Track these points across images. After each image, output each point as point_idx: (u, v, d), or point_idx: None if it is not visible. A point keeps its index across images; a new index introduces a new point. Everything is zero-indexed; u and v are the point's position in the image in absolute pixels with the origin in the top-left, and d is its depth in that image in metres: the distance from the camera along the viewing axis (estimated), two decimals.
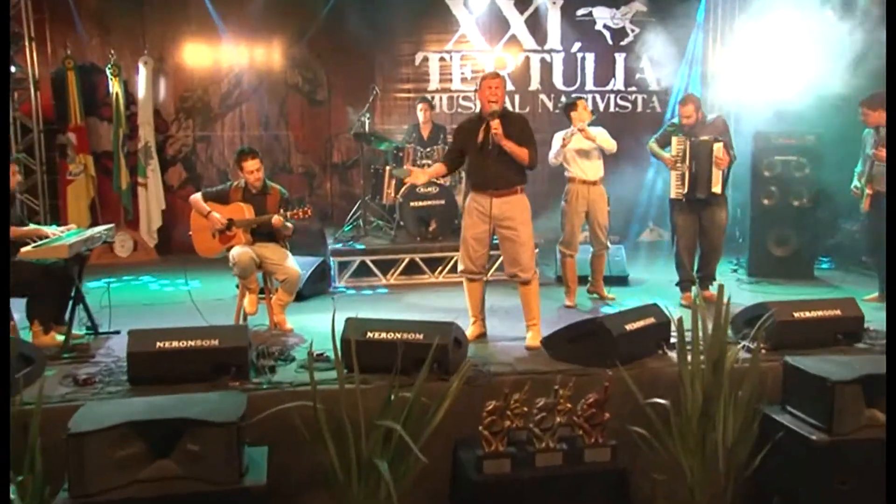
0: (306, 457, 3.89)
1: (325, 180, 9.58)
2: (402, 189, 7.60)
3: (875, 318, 5.38)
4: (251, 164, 5.54)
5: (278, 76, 9.38)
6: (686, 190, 6.12)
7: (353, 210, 8.22)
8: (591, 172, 6.27)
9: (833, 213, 7.78)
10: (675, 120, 6.37)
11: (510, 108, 5.21)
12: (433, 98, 9.15)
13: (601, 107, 9.89)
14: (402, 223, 7.55)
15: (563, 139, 6.18)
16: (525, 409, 4.02)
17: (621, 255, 7.15)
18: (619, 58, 9.95)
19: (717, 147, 6.03)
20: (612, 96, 9.97)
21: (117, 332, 5.48)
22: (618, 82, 9.99)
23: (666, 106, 9.81)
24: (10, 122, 8.30)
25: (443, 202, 7.46)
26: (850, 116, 6.84)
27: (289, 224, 5.48)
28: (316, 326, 5.70)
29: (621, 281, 6.99)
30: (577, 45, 9.85)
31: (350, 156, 9.55)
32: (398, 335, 4.47)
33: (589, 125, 6.25)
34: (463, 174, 8.01)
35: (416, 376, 3.87)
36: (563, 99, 9.71)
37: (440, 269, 7.41)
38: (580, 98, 6.50)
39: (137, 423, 3.44)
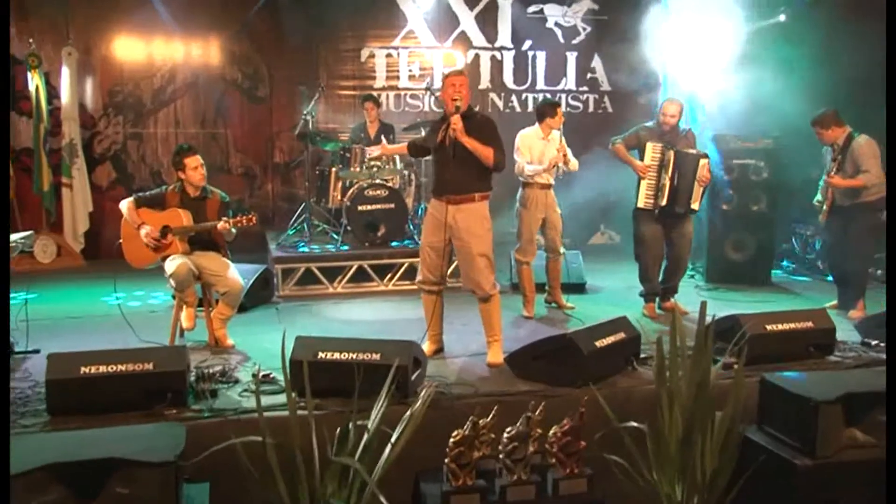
0: (253, 494, 3.50)
1: (266, 181, 9.11)
2: (350, 191, 7.21)
3: (839, 327, 5.24)
4: (194, 161, 5.12)
5: (216, 71, 8.87)
6: (665, 202, 5.79)
7: (297, 213, 7.78)
8: (547, 176, 5.99)
9: (788, 218, 7.70)
10: (649, 123, 6.09)
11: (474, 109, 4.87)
12: (380, 96, 8.76)
13: None
14: (349, 228, 7.15)
15: (550, 161, 5.88)
16: (493, 436, 3.70)
17: (578, 262, 6.90)
18: (571, 57, 9.74)
19: (704, 164, 5.78)
20: (564, 96, 9.74)
21: (36, 352, 4.96)
22: (569, 82, 9.78)
23: (623, 106, 9.56)
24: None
25: (392, 206, 7.09)
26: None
27: (233, 231, 5.05)
28: (260, 342, 5.29)
29: (579, 288, 6.73)
30: (528, 42, 9.61)
31: (293, 156, 9.11)
32: (353, 355, 4.10)
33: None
34: (412, 176, 7.68)
35: (374, 400, 3.54)
36: (514, 98, 9.62)
37: (390, 276, 7.04)
38: (559, 103, 6.20)
39: (58, 465, 2.99)
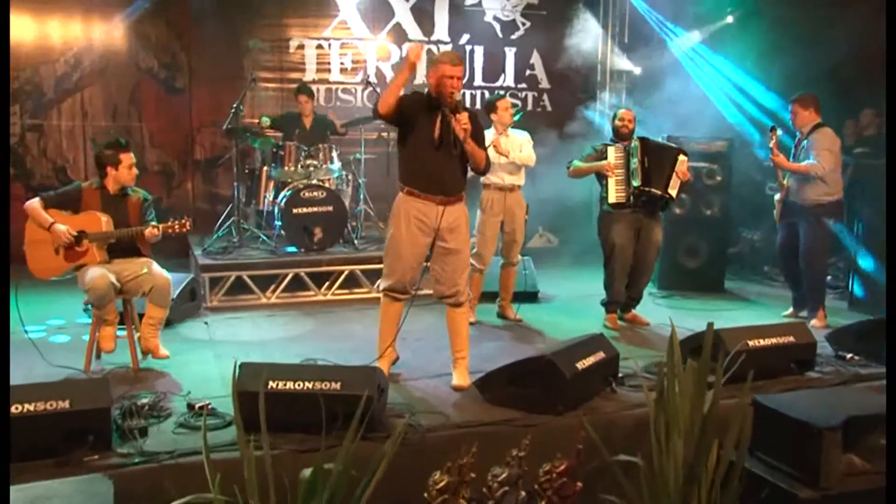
0: None
1: (185, 180, 8.37)
2: (284, 192, 6.62)
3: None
4: (130, 158, 4.53)
5: (128, 58, 8.08)
6: (640, 182, 5.44)
7: (223, 216, 7.13)
8: (508, 177, 5.58)
9: (734, 222, 7.55)
10: (597, 144, 5.81)
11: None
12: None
13: None
14: (283, 232, 6.56)
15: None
16: (473, 475, 3.26)
17: (530, 268, 6.52)
18: (510, 52, 9.39)
19: (683, 160, 5.51)
20: (502, 93, 9.34)
21: None
22: (507, 78, 9.42)
23: (562, 104, 9.26)
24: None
25: (330, 208, 6.54)
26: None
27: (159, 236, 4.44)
28: (190, 364, 4.70)
29: (531, 297, 6.36)
30: (466, 37, 9.19)
31: (215, 152, 8.41)
32: (310, 385, 3.58)
33: (513, 128, 5.59)
34: (350, 176, 7.15)
35: (335, 436, 3.05)
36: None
37: (328, 284, 6.49)
38: (502, 97, 5.78)
39: None
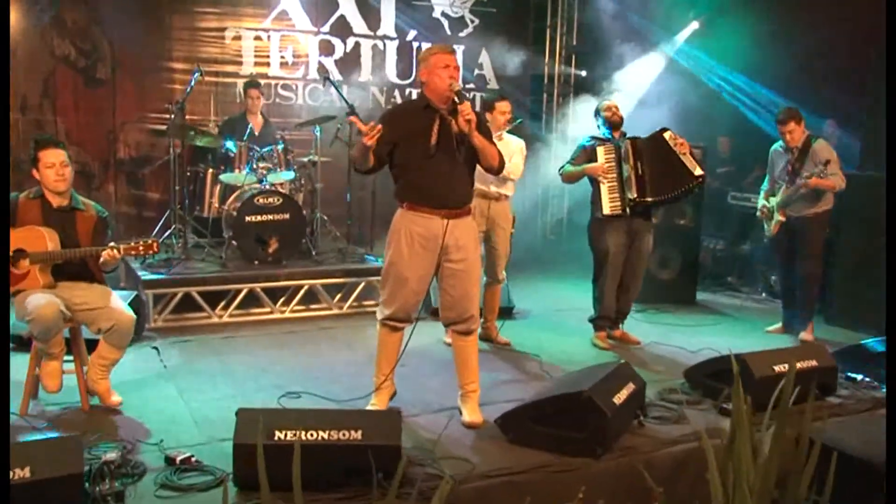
0: None
1: (106, 181, 7.51)
2: (233, 198, 5.96)
3: None
4: (51, 155, 3.75)
5: (41, 44, 7.16)
6: (635, 193, 5.09)
7: (160, 223, 6.38)
8: (494, 185, 5.14)
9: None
10: (592, 134, 5.40)
11: None
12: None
13: None
14: (234, 242, 5.90)
15: None
16: None
17: (505, 283, 6.07)
18: (458, 50, 8.90)
19: (670, 134, 5.12)
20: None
21: None
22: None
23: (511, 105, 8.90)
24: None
25: (286, 216, 5.92)
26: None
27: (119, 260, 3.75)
28: (150, 400, 4.06)
29: (506, 313, 5.93)
30: (413, 33, 8.69)
31: (140, 151, 7.60)
32: (325, 434, 3.03)
33: (508, 132, 5.16)
34: (303, 180, 6.54)
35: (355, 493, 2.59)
36: (397, 92, 8.67)
37: (284, 300, 5.87)
38: (503, 97, 5.32)
39: None
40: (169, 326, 5.41)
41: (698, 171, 5.11)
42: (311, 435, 3.02)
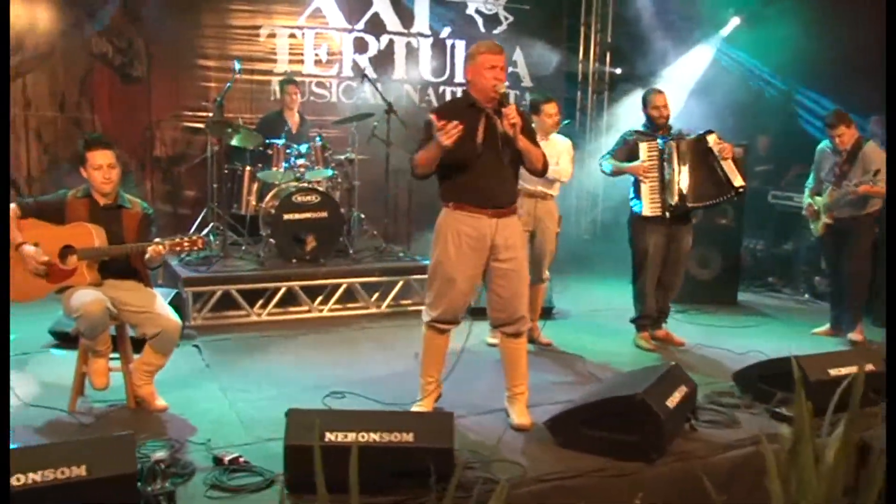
0: None
1: (143, 179, 7.51)
2: (271, 196, 5.94)
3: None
4: (99, 156, 3.71)
5: (79, 42, 7.19)
6: (676, 199, 5.00)
7: (198, 221, 6.38)
8: (539, 183, 5.04)
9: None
10: (633, 129, 5.30)
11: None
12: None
13: None
14: (271, 240, 5.87)
15: None
16: None
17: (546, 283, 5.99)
18: None
19: (712, 138, 5.00)
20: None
21: None
22: None
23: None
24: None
25: (324, 214, 5.88)
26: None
27: (165, 256, 3.73)
28: (194, 400, 4.04)
29: (546, 313, 5.84)
30: (447, 30, 8.64)
31: (175, 148, 7.61)
32: (377, 437, 2.98)
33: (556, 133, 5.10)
34: (339, 178, 6.50)
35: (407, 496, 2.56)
36: (431, 91, 8.61)
37: (321, 299, 5.84)
38: (550, 99, 5.23)
39: None
40: (208, 324, 5.40)
41: (738, 181, 5.03)
42: (363, 437, 2.98)
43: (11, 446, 2.66)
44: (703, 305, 6.42)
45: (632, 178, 5.21)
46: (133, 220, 3.84)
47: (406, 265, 6.14)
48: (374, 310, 5.92)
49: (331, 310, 5.81)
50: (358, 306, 5.93)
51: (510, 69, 8.96)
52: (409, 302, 6.07)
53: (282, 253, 5.86)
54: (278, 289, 5.65)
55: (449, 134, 3.43)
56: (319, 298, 5.85)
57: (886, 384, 3.27)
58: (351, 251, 6.19)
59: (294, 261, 5.85)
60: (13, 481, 2.51)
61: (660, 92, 5.18)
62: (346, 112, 7.59)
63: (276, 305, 5.67)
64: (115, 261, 3.76)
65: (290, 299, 5.75)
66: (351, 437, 2.96)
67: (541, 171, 3.89)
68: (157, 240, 3.69)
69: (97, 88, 7.31)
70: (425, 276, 5.92)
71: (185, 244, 3.68)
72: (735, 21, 7.37)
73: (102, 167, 3.72)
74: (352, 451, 2.35)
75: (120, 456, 2.71)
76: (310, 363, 4.73)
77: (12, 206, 3.71)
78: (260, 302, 5.64)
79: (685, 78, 7.78)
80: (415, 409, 3.85)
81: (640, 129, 5.26)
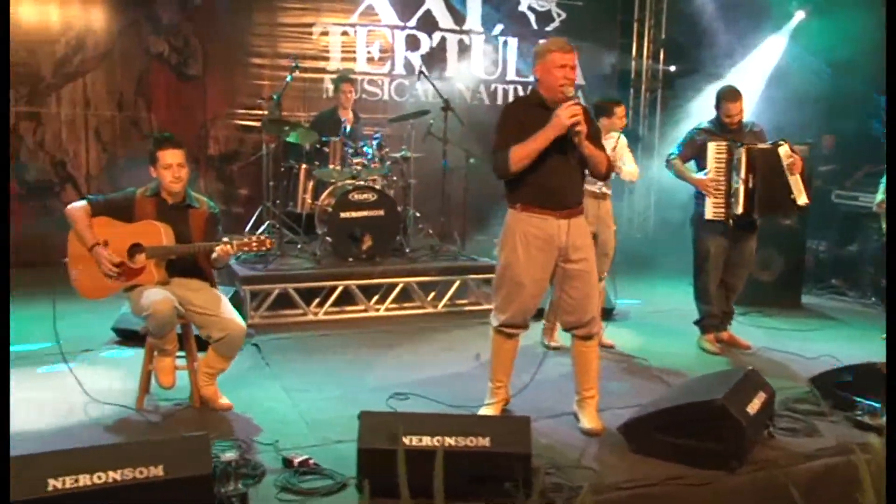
0: None
1: (197, 178, 7.54)
2: (327, 194, 5.91)
3: None
4: (170, 156, 3.69)
5: (137, 41, 7.25)
6: (741, 209, 4.84)
7: (253, 219, 6.38)
8: (601, 183, 4.93)
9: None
10: (704, 124, 5.14)
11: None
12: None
13: None
14: (328, 238, 5.84)
15: None
16: None
17: (604, 282, 5.87)
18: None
19: (785, 151, 4.83)
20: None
21: None
22: None
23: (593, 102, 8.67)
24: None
25: (381, 213, 5.83)
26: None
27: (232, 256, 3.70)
28: (257, 398, 4.02)
29: (606, 314, 5.70)
30: (499, 27, 8.55)
31: (229, 146, 7.65)
32: (453, 441, 2.91)
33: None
34: (394, 177, 6.45)
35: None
36: (483, 88, 8.53)
37: (377, 299, 5.79)
38: (618, 101, 5.13)
39: None
40: (266, 323, 5.38)
41: (803, 199, 4.88)
42: (438, 440, 2.91)
43: (81, 445, 2.65)
44: (765, 308, 6.24)
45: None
46: (200, 219, 3.82)
47: (463, 265, 6.07)
48: (430, 309, 5.86)
49: (387, 309, 5.76)
50: (414, 306, 5.87)
51: None
52: (465, 302, 6.01)
53: (337, 251, 5.83)
54: (335, 288, 5.61)
55: (573, 112, 3.35)
56: (375, 298, 5.80)
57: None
58: (407, 250, 6.14)
59: (350, 259, 5.81)
60: (94, 479, 2.50)
61: (736, 98, 4.93)
62: (397, 110, 7.56)
63: (333, 304, 5.63)
64: (181, 260, 3.75)
65: (345, 298, 5.70)
66: (426, 440, 2.90)
67: (604, 175, 3.81)
68: (225, 239, 3.66)
69: (154, 87, 7.38)
70: (482, 276, 5.95)
71: (254, 244, 3.64)
72: (800, 15, 7.15)
73: (172, 166, 3.71)
74: (437, 456, 2.28)
75: (195, 456, 2.68)
76: (369, 363, 4.67)
77: (81, 203, 3.71)
78: (316, 301, 5.61)
79: (740, 75, 7.57)
80: (482, 412, 3.77)
81: (709, 125, 5.09)
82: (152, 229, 3.66)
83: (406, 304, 5.88)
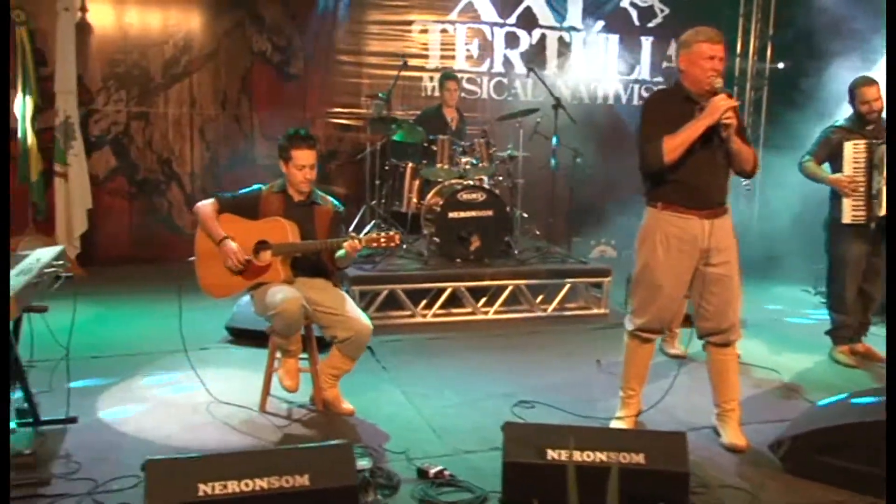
0: None
1: None
2: (434, 193, 5.79)
3: None
4: (305, 156, 3.63)
5: (241, 41, 7.30)
6: (885, 211, 4.49)
7: (357, 218, 6.32)
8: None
9: None
10: (838, 122, 4.82)
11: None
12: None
13: (623, 99, 8.44)
14: (435, 239, 5.73)
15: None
16: None
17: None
18: (646, 42, 8.49)
19: None
20: (636, 87, 8.51)
21: (73, 421, 3.45)
22: (643, 70, 8.53)
23: None
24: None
25: (490, 213, 5.69)
26: None
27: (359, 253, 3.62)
28: (380, 404, 3.93)
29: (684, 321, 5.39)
30: (601, 23, 8.30)
31: (328, 145, 7.62)
32: (605, 456, 2.73)
33: None
34: (500, 177, 6.29)
35: None
36: (582, 87, 8.29)
37: (485, 301, 5.65)
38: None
39: None
40: (375, 324, 5.25)
41: None
42: (588, 456, 2.74)
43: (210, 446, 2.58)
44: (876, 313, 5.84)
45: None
46: (325, 217, 3.75)
47: (573, 267, 5.88)
48: (539, 313, 5.69)
49: (496, 312, 5.61)
50: (522, 309, 5.70)
51: (665, 64, 8.56)
52: (574, 306, 5.82)
53: (445, 252, 5.71)
54: (443, 289, 5.49)
55: (729, 104, 3.18)
56: (483, 300, 5.66)
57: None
58: (515, 251, 5.98)
59: (458, 260, 5.68)
60: (242, 486, 2.42)
61: (871, 82, 4.63)
62: (496, 108, 7.42)
63: (441, 307, 5.52)
64: (305, 258, 3.68)
65: (453, 300, 5.58)
66: (577, 455, 2.73)
67: (749, 173, 3.54)
68: (352, 234, 3.58)
69: (256, 86, 7.41)
70: (592, 280, 5.75)
71: (382, 240, 3.55)
72: None
73: (305, 168, 3.65)
74: (611, 475, 2.11)
75: (340, 466, 2.59)
76: (485, 368, 4.54)
77: (209, 201, 3.68)
78: (423, 302, 5.51)
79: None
80: (613, 424, 3.60)
81: (845, 123, 4.77)
82: (278, 226, 3.61)
83: (514, 308, 5.72)
